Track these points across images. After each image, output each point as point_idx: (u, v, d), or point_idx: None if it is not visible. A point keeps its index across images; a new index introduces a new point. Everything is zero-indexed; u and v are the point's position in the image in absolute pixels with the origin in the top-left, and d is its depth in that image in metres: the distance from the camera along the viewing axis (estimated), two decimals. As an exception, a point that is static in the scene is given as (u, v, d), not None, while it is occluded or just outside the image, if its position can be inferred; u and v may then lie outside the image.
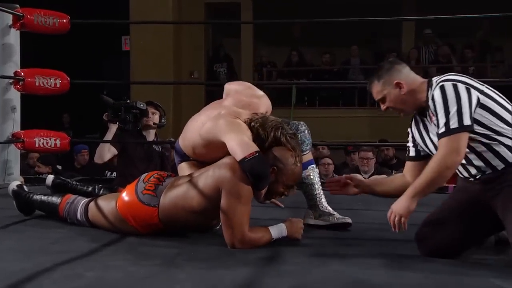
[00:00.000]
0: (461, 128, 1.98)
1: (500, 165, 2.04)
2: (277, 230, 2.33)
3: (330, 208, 2.73)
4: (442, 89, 2.04)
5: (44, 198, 2.70)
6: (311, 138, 2.73)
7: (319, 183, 2.74)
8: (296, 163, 2.36)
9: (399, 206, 2.10)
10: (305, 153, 2.65)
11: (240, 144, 2.28)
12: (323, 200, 2.74)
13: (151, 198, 2.39)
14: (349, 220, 2.69)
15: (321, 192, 2.74)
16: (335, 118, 8.78)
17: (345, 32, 8.99)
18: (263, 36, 10.02)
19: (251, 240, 2.26)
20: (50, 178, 3.01)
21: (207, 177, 2.31)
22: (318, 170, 2.76)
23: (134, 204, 2.41)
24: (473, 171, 2.09)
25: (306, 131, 2.71)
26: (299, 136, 2.58)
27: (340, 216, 2.71)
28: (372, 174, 5.03)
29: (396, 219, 2.09)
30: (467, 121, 1.98)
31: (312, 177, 2.70)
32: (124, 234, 2.42)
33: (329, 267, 1.98)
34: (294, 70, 9.48)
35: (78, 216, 2.57)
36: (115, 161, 4.53)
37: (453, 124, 1.98)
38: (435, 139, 2.13)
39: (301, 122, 2.74)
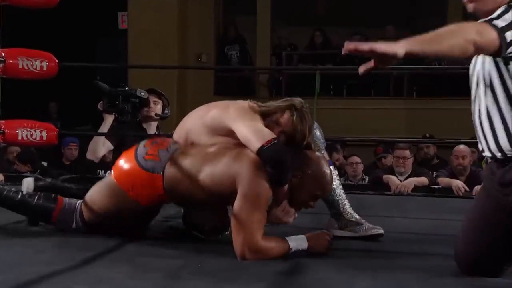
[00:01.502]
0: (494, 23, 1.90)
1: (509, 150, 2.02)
2: (296, 242, 2.34)
3: (357, 216, 2.72)
4: None
5: (29, 199, 2.65)
6: (324, 138, 2.75)
7: (340, 187, 2.73)
8: (326, 170, 2.38)
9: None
10: (324, 150, 2.68)
11: (254, 132, 2.32)
12: (347, 207, 2.73)
13: (155, 163, 2.43)
14: (380, 231, 2.68)
15: (344, 197, 2.74)
16: (365, 110, 8.74)
17: (379, 9, 8.95)
18: (283, 14, 10.01)
19: (264, 249, 2.27)
20: (28, 182, 2.83)
21: (224, 163, 2.34)
22: (336, 172, 2.75)
23: (134, 171, 2.45)
24: (485, 146, 2.08)
25: (317, 131, 2.72)
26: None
27: (370, 226, 2.69)
28: (409, 176, 5.01)
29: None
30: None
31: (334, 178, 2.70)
32: (124, 240, 2.43)
33: (356, 284, 1.98)
34: (318, 53, 9.45)
35: (74, 223, 2.57)
36: (109, 157, 4.55)
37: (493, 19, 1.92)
38: None
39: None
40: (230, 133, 2.39)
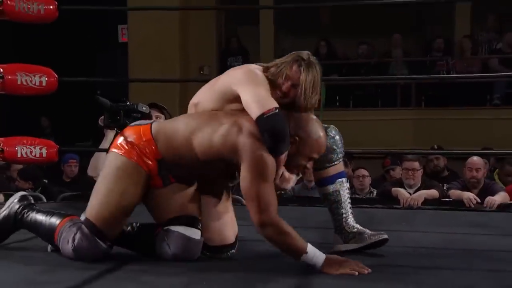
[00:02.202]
0: None
1: None
2: (314, 252, 2.31)
3: (358, 226, 2.73)
4: None
5: (39, 218, 2.58)
6: (343, 146, 2.74)
7: (349, 201, 2.74)
8: (321, 132, 2.44)
9: None
10: (335, 163, 2.69)
11: (256, 99, 2.37)
12: (350, 219, 2.73)
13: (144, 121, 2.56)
14: (384, 236, 2.68)
15: (350, 211, 2.74)
16: (372, 121, 8.75)
17: (385, 18, 8.97)
18: (286, 24, 10.05)
19: (281, 226, 2.29)
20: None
21: (225, 127, 2.37)
22: (348, 185, 2.76)
23: (124, 131, 2.53)
24: None
25: (337, 137, 2.73)
26: (328, 143, 2.61)
27: (373, 233, 2.70)
28: (419, 189, 5.00)
29: None
30: None
31: (340, 193, 2.71)
32: (125, 258, 2.43)
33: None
34: (323, 64, 9.43)
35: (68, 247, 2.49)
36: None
37: None
38: None
39: (331, 126, 2.75)
40: (238, 99, 2.44)
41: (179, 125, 2.46)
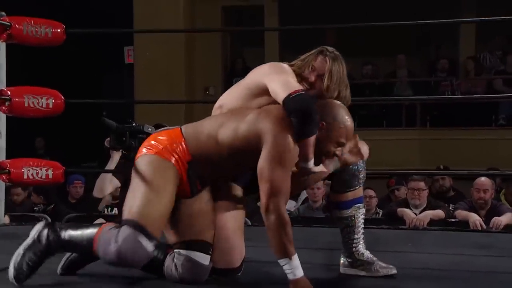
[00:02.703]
0: None
1: None
2: (297, 264, 2.29)
3: (368, 254, 2.67)
4: None
5: (74, 233, 2.46)
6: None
7: (362, 226, 2.69)
8: (348, 117, 2.44)
9: None
10: (355, 188, 2.64)
11: (282, 84, 2.36)
12: (361, 246, 2.68)
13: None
14: (393, 271, 2.63)
15: (362, 236, 2.69)
16: (378, 141, 8.68)
17: (389, 38, 8.99)
18: (291, 44, 10.08)
19: (285, 221, 2.27)
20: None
21: (249, 119, 2.37)
22: (364, 210, 2.71)
23: (153, 135, 2.52)
24: None
25: (362, 164, 2.67)
26: (352, 168, 2.59)
27: (383, 265, 2.65)
28: (425, 209, 4.98)
29: None
30: None
31: (355, 219, 2.66)
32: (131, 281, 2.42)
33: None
34: (328, 84, 9.46)
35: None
36: (112, 195, 4.58)
37: None
38: None
39: None
40: (267, 91, 2.43)
41: (205, 124, 2.47)
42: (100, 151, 4.38)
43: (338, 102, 2.49)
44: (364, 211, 2.72)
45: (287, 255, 2.27)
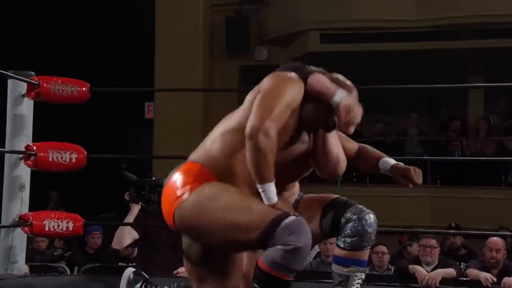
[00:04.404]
0: None
1: None
2: (273, 190, 2.19)
3: None
4: None
5: None
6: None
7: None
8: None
9: None
10: (364, 249, 2.46)
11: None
12: None
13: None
14: None
15: None
16: (389, 198, 8.67)
17: (402, 97, 9.05)
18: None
19: (271, 143, 2.14)
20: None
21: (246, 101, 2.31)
22: (363, 276, 2.51)
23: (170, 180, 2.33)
24: None
25: (373, 220, 2.48)
26: (363, 224, 2.42)
27: None
28: (436, 267, 4.91)
29: None
30: None
31: (352, 283, 2.44)
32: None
33: None
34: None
35: None
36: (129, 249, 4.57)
37: None
38: None
39: (371, 212, 2.50)
40: None
41: (207, 139, 2.38)
42: (117, 202, 4.38)
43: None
44: (363, 278, 2.49)
45: (266, 181, 2.16)
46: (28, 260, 5.10)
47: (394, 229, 7.15)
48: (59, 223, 3.71)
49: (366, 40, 9.21)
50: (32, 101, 3.76)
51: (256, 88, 2.31)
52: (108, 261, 5.24)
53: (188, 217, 2.22)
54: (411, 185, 2.52)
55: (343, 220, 2.42)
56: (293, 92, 2.22)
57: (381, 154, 2.58)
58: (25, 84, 3.67)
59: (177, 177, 2.30)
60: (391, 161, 2.55)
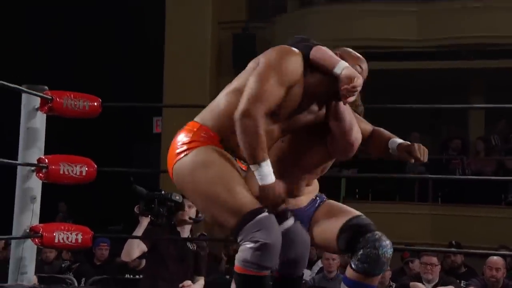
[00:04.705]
0: None
1: None
2: (269, 171, 2.15)
3: None
4: None
5: None
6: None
7: None
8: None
9: None
10: (376, 276, 2.42)
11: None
12: None
13: None
14: None
15: None
16: (391, 215, 8.65)
17: (403, 117, 9.06)
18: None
19: (259, 127, 2.13)
20: None
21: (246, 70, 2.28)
22: None
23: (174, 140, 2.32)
24: None
25: (389, 249, 2.42)
26: (379, 253, 2.36)
27: None
28: (437, 284, 4.89)
29: None
30: None
31: None
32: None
33: None
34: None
35: None
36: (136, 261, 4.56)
37: None
38: None
39: (387, 240, 2.44)
40: None
41: (213, 102, 2.35)
42: (125, 215, 4.38)
43: None
44: None
45: (258, 160, 2.13)
46: (36, 270, 5.10)
47: (395, 247, 7.09)
48: (69, 235, 3.70)
49: (368, 59, 9.21)
50: (45, 115, 3.76)
51: (256, 59, 2.30)
52: (115, 273, 5.23)
53: (181, 176, 2.26)
54: (412, 160, 2.46)
55: (359, 244, 2.37)
56: (290, 67, 2.20)
57: (392, 135, 2.55)
58: (39, 98, 3.67)
59: (179, 137, 2.30)
60: (399, 140, 2.51)
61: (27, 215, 3.73)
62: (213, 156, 2.21)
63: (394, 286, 5.40)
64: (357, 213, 2.49)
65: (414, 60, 9.20)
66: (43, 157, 3.68)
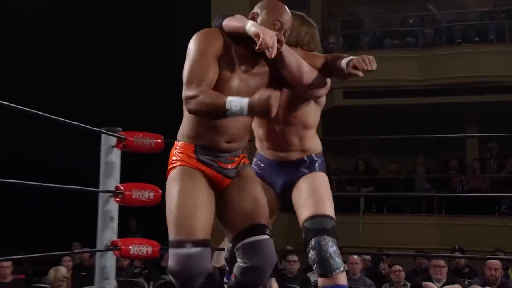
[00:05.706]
0: None
1: None
2: (238, 100, 1.88)
3: None
4: None
5: None
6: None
7: None
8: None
9: None
10: (329, 275, 2.08)
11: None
12: None
13: None
14: None
15: None
16: (403, 225, 8.53)
17: (411, 142, 8.99)
18: (330, 145, 10.15)
19: (199, 100, 1.92)
20: None
21: None
22: None
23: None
24: None
25: (334, 247, 2.12)
26: (326, 252, 2.09)
27: None
28: (445, 283, 4.78)
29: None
30: None
31: None
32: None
33: None
34: (360, 178, 9.44)
35: None
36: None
37: None
38: None
39: (331, 239, 2.13)
40: None
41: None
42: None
43: None
44: None
45: (224, 108, 1.88)
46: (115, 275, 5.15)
47: (407, 253, 6.95)
48: (141, 247, 3.73)
49: (379, 96, 9.25)
50: (120, 151, 3.84)
51: None
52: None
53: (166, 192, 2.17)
54: (361, 73, 2.03)
55: (308, 246, 2.14)
56: (204, 42, 1.99)
57: (344, 56, 2.13)
58: (115, 138, 3.76)
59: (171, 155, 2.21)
60: (348, 58, 2.09)
61: (108, 232, 3.78)
62: (177, 180, 2.08)
63: (409, 285, 5.30)
64: (311, 212, 2.19)
65: (418, 97, 9.19)
66: (119, 185, 3.75)
